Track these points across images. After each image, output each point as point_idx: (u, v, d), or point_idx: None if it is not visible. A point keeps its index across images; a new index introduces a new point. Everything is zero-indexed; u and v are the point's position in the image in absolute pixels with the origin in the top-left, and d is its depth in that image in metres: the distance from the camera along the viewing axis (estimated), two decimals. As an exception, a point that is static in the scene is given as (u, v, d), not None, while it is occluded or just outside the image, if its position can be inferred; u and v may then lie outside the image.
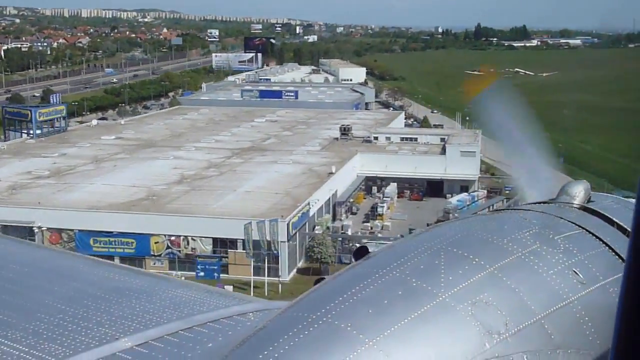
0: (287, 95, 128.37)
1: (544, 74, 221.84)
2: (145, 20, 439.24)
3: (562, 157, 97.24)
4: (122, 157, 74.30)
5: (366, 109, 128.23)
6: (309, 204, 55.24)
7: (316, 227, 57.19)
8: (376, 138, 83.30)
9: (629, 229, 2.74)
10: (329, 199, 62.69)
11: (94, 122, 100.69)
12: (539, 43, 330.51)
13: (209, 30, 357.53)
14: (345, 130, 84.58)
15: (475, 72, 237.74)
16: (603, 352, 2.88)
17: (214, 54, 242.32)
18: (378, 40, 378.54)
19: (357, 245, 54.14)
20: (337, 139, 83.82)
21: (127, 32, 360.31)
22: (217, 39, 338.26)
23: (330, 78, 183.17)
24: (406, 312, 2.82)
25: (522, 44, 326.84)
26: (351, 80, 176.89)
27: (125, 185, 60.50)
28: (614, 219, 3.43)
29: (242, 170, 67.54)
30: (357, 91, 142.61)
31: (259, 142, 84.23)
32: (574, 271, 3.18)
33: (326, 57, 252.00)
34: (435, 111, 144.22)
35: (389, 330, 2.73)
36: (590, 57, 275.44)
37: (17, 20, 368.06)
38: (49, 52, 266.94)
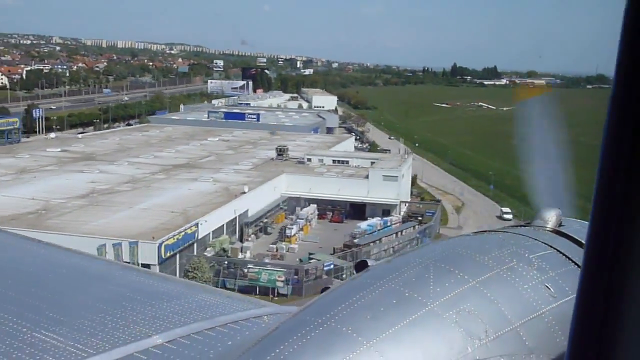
0: (249, 118, 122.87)
1: (504, 108, 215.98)
2: (172, 52, 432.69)
3: (492, 185, 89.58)
4: (50, 169, 65.48)
5: (327, 133, 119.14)
6: (197, 224, 45.90)
7: (208, 249, 47.84)
8: (309, 159, 74.17)
9: None
10: (235, 219, 53.38)
11: (52, 135, 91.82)
12: (507, 82, 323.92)
13: (215, 61, 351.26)
14: (281, 151, 75.76)
15: (443, 105, 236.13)
16: None
17: (209, 81, 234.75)
18: (365, 75, 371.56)
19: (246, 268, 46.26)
20: (272, 159, 74.79)
21: (145, 60, 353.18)
22: (222, 69, 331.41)
23: (305, 105, 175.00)
24: (399, 318, 2.93)
25: (492, 83, 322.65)
26: (323, 107, 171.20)
27: (25, 197, 51.42)
28: (582, 241, 3.36)
29: (157, 186, 58.68)
30: (320, 116, 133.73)
31: (197, 159, 75.31)
32: (546, 286, 3.24)
33: (312, 87, 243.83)
34: (392, 137, 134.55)
35: (384, 334, 2.84)
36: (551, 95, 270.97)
37: (58, 48, 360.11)
38: (67, 74, 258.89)
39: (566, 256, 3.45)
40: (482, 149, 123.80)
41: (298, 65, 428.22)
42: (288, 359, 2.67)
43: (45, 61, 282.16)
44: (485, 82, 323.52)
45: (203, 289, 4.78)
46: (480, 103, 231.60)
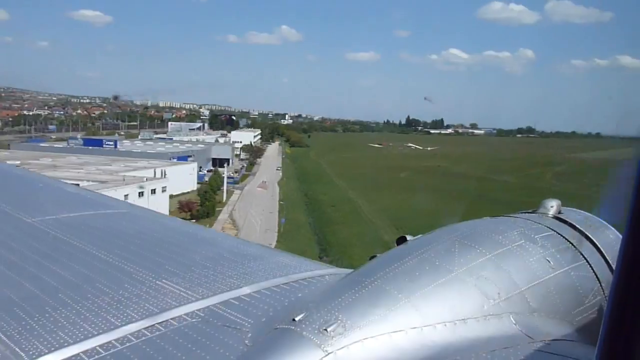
0: (107, 145, 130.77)
1: (429, 148, 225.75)
2: (201, 110, 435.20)
3: (284, 219, 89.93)
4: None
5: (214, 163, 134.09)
6: None
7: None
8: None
9: (586, 233, 3.95)
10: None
11: None
12: (452, 131, 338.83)
13: (202, 111, 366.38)
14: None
15: (376, 145, 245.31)
16: (564, 315, 3.58)
17: (170, 123, 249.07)
18: (333, 125, 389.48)
19: None
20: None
21: (153, 112, 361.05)
22: (207, 117, 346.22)
23: (223, 140, 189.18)
24: (430, 281, 3.34)
25: (438, 132, 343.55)
26: (241, 142, 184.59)
27: None
28: (577, 225, 4.08)
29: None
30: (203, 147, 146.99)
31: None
32: (547, 259, 3.71)
33: (276, 132, 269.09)
34: (278, 168, 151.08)
35: (418, 292, 3.26)
36: (481, 141, 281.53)
37: (87, 101, 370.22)
38: (63, 118, 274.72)
39: (563, 237, 3.89)
40: (357, 181, 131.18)
41: (286, 118, 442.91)
42: (344, 308, 3.12)
43: (47, 108, 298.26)
44: (432, 131, 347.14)
45: (280, 252, 5.52)
46: (409, 144, 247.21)
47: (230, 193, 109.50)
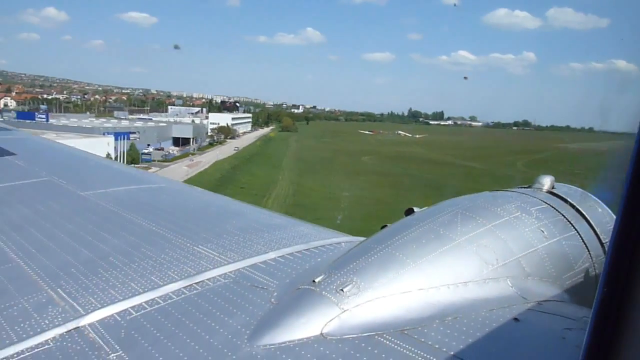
0: (39, 118, 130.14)
1: (417, 136, 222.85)
2: (213, 100, 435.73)
3: None
4: None
5: (175, 142, 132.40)
6: None
7: None
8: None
9: (577, 206, 4.08)
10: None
11: None
12: (451, 123, 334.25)
13: (214, 98, 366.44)
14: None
15: (366, 132, 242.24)
16: (555, 280, 3.69)
17: (170, 107, 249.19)
18: (340, 116, 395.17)
19: None
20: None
21: (174, 99, 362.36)
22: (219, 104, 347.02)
23: (199, 121, 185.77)
24: (435, 248, 3.51)
25: (437, 123, 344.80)
26: (218, 123, 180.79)
27: None
28: (568, 199, 4.22)
29: None
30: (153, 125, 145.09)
31: None
32: (541, 230, 3.86)
33: (276, 120, 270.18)
34: (236, 149, 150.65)
35: (424, 258, 3.43)
36: (474, 132, 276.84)
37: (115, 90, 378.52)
38: (79, 103, 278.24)
39: (556, 210, 4.09)
40: (308, 163, 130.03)
41: (300, 109, 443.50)
42: (358, 271, 3.36)
43: (66, 94, 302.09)
44: (431, 122, 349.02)
45: (301, 222, 5.78)
46: (399, 132, 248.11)
47: (146, 169, 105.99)
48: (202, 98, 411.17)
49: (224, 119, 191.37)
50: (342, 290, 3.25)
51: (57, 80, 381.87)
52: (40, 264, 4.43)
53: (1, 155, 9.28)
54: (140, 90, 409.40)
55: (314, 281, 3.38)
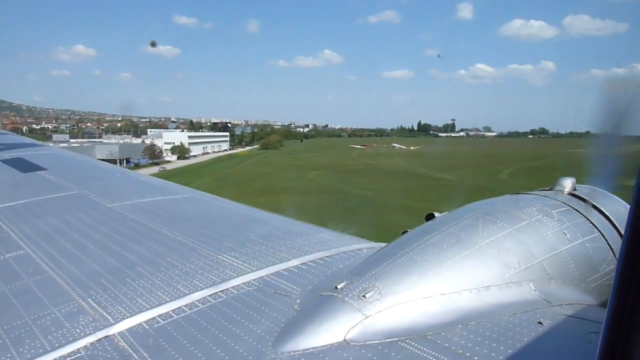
0: None
1: (412, 148, 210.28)
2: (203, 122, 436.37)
3: None
4: None
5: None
6: None
7: None
8: None
9: (600, 208, 4.02)
10: None
11: None
12: (464, 134, 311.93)
13: (211, 120, 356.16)
14: None
15: (358, 146, 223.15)
16: (579, 282, 3.65)
17: (148, 130, 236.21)
18: (339, 132, 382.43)
19: None
20: None
21: (168, 123, 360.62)
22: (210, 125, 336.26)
23: (151, 141, 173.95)
24: (457, 252, 3.45)
25: (447, 134, 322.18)
26: (173, 143, 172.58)
27: None
28: (591, 201, 4.11)
29: None
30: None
31: None
32: (564, 232, 3.77)
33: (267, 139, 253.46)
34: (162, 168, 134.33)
35: (446, 263, 3.37)
36: (483, 142, 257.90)
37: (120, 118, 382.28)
38: (66, 130, 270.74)
39: (578, 212, 3.94)
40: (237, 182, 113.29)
41: (309, 127, 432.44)
42: (380, 277, 3.29)
43: (55, 121, 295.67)
44: (440, 134, 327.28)
45: (323, 229, 5.62)
46: (394, 144, 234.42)
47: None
48: (200, 122, 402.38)
49: (179, 137, 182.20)
50: (364, 296, 3.21)
51: (83, 113, 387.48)
52: (71, 274, 4.53)
53: (33, 170, 9.97)
54: (164, 119, 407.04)
55: (336, 287, 3.35)
